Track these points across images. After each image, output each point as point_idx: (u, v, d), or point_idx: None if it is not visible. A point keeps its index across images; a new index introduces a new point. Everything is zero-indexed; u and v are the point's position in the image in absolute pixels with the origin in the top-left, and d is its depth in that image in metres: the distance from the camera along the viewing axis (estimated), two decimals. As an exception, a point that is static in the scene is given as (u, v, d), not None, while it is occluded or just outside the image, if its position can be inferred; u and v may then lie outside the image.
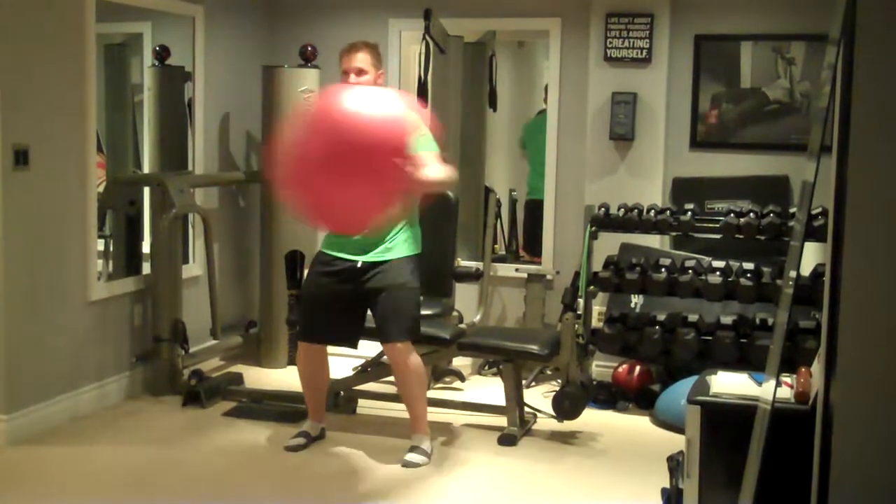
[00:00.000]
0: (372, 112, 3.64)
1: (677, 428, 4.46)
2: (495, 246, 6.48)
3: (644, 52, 5.57)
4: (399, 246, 4.36)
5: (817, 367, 2.87)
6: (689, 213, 5.04)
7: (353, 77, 4.34)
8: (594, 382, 5.37)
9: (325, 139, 3.59)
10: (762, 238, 4.88)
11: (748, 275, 4.83)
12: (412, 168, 3.76)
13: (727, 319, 4.87)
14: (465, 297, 5.83)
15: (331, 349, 4.58)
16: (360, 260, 4.34)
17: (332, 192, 3.61)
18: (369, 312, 4.42)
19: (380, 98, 3.83)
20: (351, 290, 4.36)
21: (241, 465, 4.35)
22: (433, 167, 4.12)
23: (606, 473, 4.36)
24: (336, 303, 4.39)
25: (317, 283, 4.45)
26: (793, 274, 2.75)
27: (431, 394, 5.02)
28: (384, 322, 4.33)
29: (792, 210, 4.94)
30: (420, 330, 4.46)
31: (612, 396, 5.29)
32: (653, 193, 5.58)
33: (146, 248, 5.48)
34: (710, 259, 5.06)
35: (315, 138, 3.63)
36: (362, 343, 4.58)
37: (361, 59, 4.37)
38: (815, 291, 4.45)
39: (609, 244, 5.35)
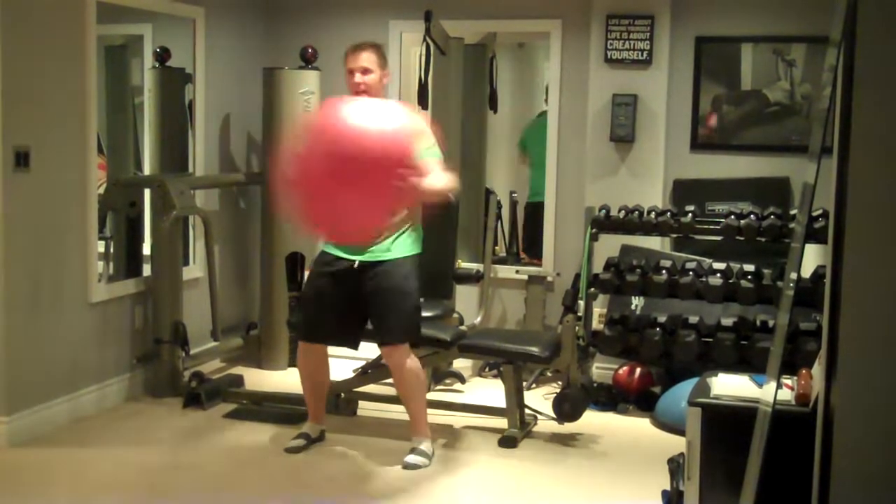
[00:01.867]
0: (374, 125, 3.67)
1: (678, 430, 4.46)
2: (496, 248, 6.47)
3: (644, 53, 5.57)
4: (398, 246, 4.35)
5: (818, 370, 2.86)
6: (690, 214, 5.03)
7: (358, 76, 4.33)
8: (595, 384, 5.37)
9: (329, 153, 3.62)
10: (763, 240, 4.88)
11: (749, 277, 4.83)
12: (414, 179, 3.74)
13: (728, 321, 4.87)
14: (465, 299, 5.83)
15: (331, 350, 4.58)
16: (358, 259, 4.34)
17: (335, 205, 3.66)
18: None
19: (381, 110, 3.84)
20: (350, 291, 4.35)
21: (242, 466, 4.35)
22: (436, 175, 4.09)
23: (607, 475, 4.36)
24: (336, 303, 4.38)
25: (317, 282, 4.46)
26: (793, 276, 2.75)
27: (432, 395, 5.02)
28: (380, 324, 4.34)
29: (792, 212, 4.93)
30: (419, 332, 4.46)
31: (612, 398, 5.28)
32: (653, 195, 5.58)
33: (147, 249, 5.48)
34: (711, 261, 5.06)
35: (319, 152, 3.65)
36: (363, 344, 4.58)
37: (367, 58, 4.35)
38: (816, 293, 4.44)
39: (609, 246, 5.35)
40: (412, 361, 4.38)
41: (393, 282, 4.31)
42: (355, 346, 4.56)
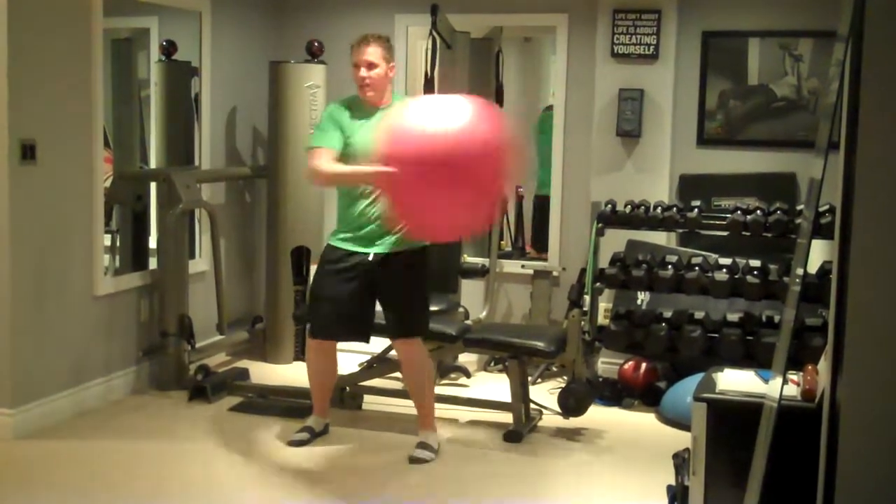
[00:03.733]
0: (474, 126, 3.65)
1: (683, 425, 4.46)
2: (501, 242, 6.47)
3: (651, 48, 5.56)
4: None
5: (824, 365, 2.86)
6: (696, 210, 5.03)
7: (363, 70, 4.29)
8: (600, 379, 5.37)
9: (429, 156, 3.58)
10: (769, 235, 4.87)
11: (755, 272, 4.82)
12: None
13: (733, 317, 4.87)
14: (471, 294, 5.83)
15: (338, 345, 4.58)
16: (372, 252, 4.32)
17: (435, 205, 3.68)
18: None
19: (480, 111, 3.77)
20: (363, 284, 4.31)
21: (246, 460, 4.36)
22: None
23: (612, 470, 4.36)
24: (349, 299, 4.34)
25: (328, 279, 4.40)
26: (800, 271, 2.74)
27: (437, 390, 5.01)
28: (395, 317, 4.32)
29: (799, 207, 4.92)
30: (428, 326, 4.45)
31: (617, 393, 5.28)
32: (659, 190, 5.57)
33: (153, 243, 5.49)
34: (717, 256, 5.05)
35: (417, 155, 3.60)
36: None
37: (372, 52, 4.28)
38: (822, 289, 4.43)
39: (615, 241, 5.34)
40: (425, 355, 4.38)
41: (409, 273, 4.31)
42: (367, 341, 4.55)
